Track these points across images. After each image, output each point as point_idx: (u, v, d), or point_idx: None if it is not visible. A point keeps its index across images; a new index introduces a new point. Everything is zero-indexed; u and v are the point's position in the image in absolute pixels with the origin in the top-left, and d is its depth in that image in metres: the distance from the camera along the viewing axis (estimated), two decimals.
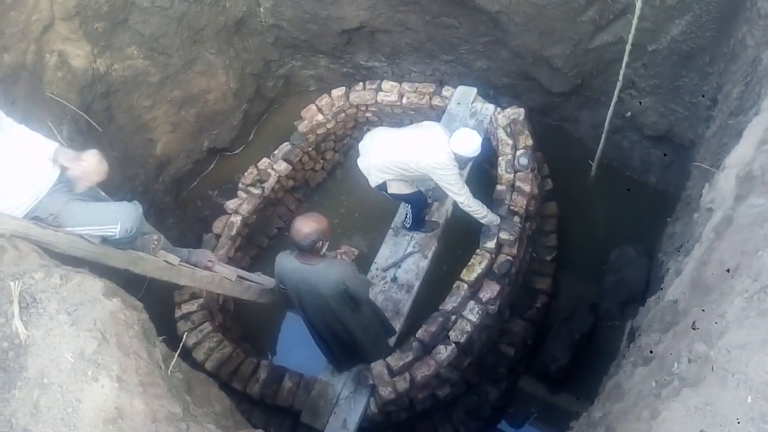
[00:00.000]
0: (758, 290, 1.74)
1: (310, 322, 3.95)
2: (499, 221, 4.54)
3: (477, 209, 4.43)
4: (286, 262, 3.64)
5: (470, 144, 4.21)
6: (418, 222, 5.03)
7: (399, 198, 4.80)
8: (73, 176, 2.94)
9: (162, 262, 3.25)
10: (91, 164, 2.93)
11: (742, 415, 1.53)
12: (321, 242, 3.42)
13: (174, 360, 2.58)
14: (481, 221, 4.54)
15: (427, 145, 4.26)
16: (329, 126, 5.86)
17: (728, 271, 2.02)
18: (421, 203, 4.92)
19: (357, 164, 4.65)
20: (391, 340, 4.58)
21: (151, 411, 2.04)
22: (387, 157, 4.37)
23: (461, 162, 4.32)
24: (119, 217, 2.91)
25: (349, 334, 3.94)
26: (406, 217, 5.08)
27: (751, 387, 1.56)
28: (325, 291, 3.54)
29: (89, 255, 2.86)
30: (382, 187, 4.60)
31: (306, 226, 3.36)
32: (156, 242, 3.30)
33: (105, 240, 2.93)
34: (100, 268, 2.98)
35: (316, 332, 4.06)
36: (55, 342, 2.08)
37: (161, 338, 2.70)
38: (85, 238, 2.83)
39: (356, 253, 4.04)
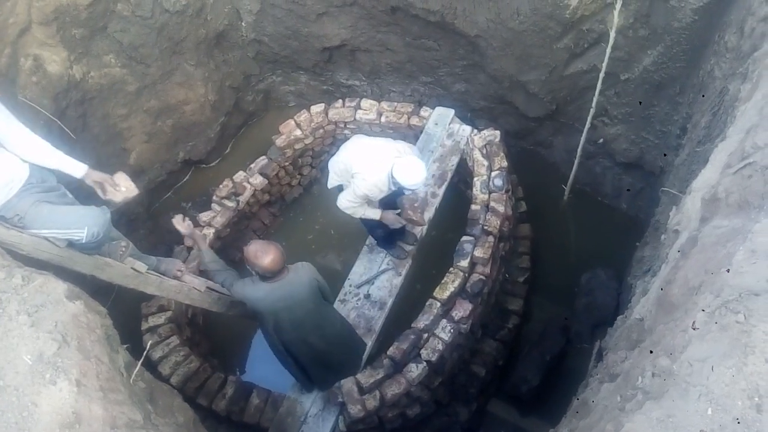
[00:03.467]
0: (719, 306, 1.77)
1: (285, 344, 3.89)
2: (379, 216, 4.36)
3: (351, 211, 4.26)
4: (255, 291, 3.57)
5: (411, 176, 3.92)
6: (387, 242, 4.98)
7: None
8: (113, 201, 3.19)
9: (129, 269, 3.19)
10: (128, 190, 3.19)
11: (703, 426, 1.55)
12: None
13: (137, 368, 2.52)
14: (355, 217, 4.40)
15: (376, 154, 4.04)
16: (307, 141, 5.87)
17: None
18: (372, 226, 4.78)
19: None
20: (362, 358, 4.52)
21: (111, 417, 1.98)
22: (343, 158, 4.23)
23: (396, 187, 4.07)
24: (86, 222, 2.86)
25: (326, 341, 3.92)
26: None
27: (712, 399, 1.58)
28: (304, 293, 3.61)
29: (54, 258, 2.80)
30: (339, 188, 4.46)
31: (275, 254, 3.40)
32: (124, 248, 3.24)
33: (71, 244, 2.87)
34: (67, 275, 2.92)
35: (290, 354, 3.99)
36: (13, 343, 2.01)
37: (125, 346, 2.64)
38: (50, 241, 2.77)
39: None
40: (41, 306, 2.13)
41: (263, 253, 3.38)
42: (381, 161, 4.02)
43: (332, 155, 4.52)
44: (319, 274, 3.76)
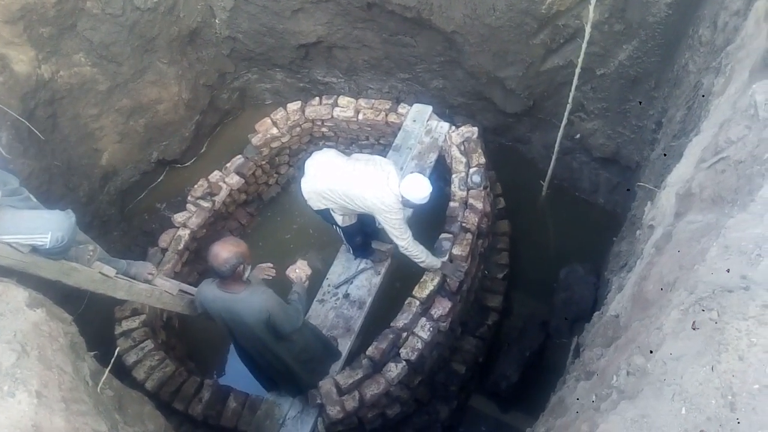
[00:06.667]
0: (693, 303, 1.75)
1: (242, 348, 3.81)
2: (439, 265, 4.41)
3: (417, 254, 4.25)
4: (208, 291, 3.46)
5: (420, 190, 4.00)
6: (364, 250, 4.94)
7: (336, 225, 4.62)
8: None
9: (97, 274, 3.10)
10: None
11: (677, 426, 1.53)
12: (242, 266, 3.24)
13: (104, 376, 2.44)
14: (420, 265, 4.39)
15: (376, 183, 4.06)
16: (284, 140, 5.80)
17: (662, 289, 2.05)
18: (351, 234, 4.74)
19: (300, 183, 4.41)
20: (338, 364, 4.45)
21: (73, 429, 1.91)
22: (333, 187, 4.17)
23: (407, 206, 4.15)
24: (50, 226, 2.77)
25: (281, 362, 3.78)
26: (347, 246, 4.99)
27: (686, 398, 1.56)
28: (248, 320, 3.38)
29: (17, 264, 2.71)
30: (324, 212, 4.45)
31: (224, 250, 3.16)
32: (92, 253, 3.15)
33: (35, 249, 2.77)
34: (36, 281, 2.83)
35: (248, 358, 3.91)
36: None
37: (92, 353, 2.56)
38: (13, 247, 2.68)
39: (307, 274, 3.77)
40: (0, 315, 2.05)
41: (216, 248, 3.18)
42: (390, 183, 4.03)
43: (301, 176, 4.40)
44: (281, 311, 3.41)
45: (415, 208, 4.32)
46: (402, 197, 4.03)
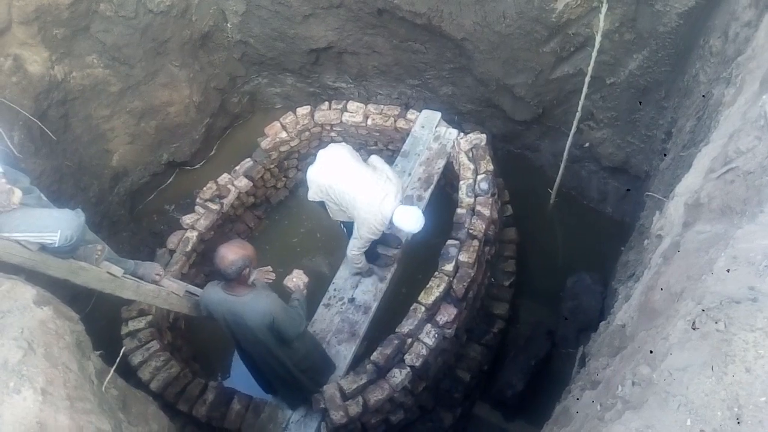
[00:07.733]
0: (700, 313, 1.74)
1: (245, 351, 3.82)
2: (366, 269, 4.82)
3: (357, 264, 4.65)
4: (213, 293, 3.48)
5: (409, 223, 4.11)
6: (369, 254, 4.90)
7: (340, 222, 4.71)
8: None
9: (104, 273, 3.12)
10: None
11: None
12: (248, 269, 3.27)
13: (110, 375, 2.45)
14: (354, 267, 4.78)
15: (371, 197, 4.10)
16: (293, 144, 5.82)
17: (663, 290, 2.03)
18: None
19: (307, 170, 4.46)
20: (342, 369, 4.42)
21: (77, 427, 1.92)
22: (333, 185, 4.22)
23: (392, 229, 4.25)
24: (59, 225, 2.80)
25: (284, 368, 3.79)
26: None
27: (691, 409, 1.55)
28: (252, 323, 3.39)
29: (26, 262, 2.73)
30: (321, 204, 4.52)
31: (231, 252, 3.20)
32: (99, 252, 3.17)
33: (44, 247, 2.80)
34: (44, 279, 2.85)
35: (251, 362, 3.92)
36: None
37: (98, 352, 2.57)
38: (22, 245, 2.70)
39: (305, 282, 3.81)
40: (7, 312, 2.07)
41: (222, 250, 3.21)
42: (383, 206, 4.10)
43: (311, 163, 4.47)
44: (285, 315, 3.44)
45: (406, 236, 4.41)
46: (390, 221, 4.13)
